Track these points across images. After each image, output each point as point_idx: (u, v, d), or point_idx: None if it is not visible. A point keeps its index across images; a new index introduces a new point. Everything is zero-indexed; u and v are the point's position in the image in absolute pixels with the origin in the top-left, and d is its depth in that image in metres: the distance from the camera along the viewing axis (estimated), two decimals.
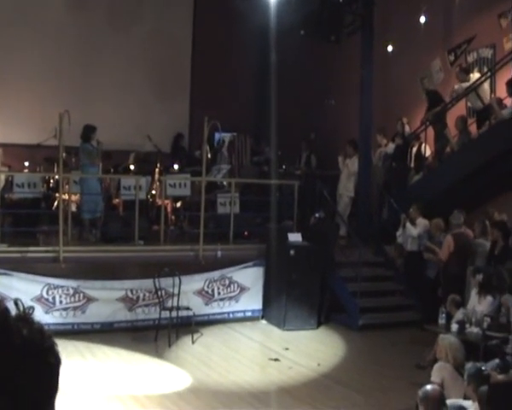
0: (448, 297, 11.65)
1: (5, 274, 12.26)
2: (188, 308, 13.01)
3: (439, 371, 8.68)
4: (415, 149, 16.79)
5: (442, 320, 11.24)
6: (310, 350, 12.72)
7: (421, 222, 14.49)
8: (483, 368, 7.98)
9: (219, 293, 14.31)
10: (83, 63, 18.65)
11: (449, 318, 11.18)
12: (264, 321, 14.63)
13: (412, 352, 12.42)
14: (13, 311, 1.49)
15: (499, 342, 9.62)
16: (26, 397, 1.42)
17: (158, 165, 16.58)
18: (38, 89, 18.10)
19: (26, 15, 18.11)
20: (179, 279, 12.77)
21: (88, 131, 14.43)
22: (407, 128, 17.25)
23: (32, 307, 1.53)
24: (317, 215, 15.39)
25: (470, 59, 16.75)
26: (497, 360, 8.78)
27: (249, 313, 14.67)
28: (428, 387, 6.72)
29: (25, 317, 1.48)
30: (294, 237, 14.37)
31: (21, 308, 1.49)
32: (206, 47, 20.06)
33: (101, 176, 15.50)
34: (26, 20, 18.08)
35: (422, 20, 17.15)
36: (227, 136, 18.65)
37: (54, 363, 1.51)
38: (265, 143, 18.52)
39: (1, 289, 12.07)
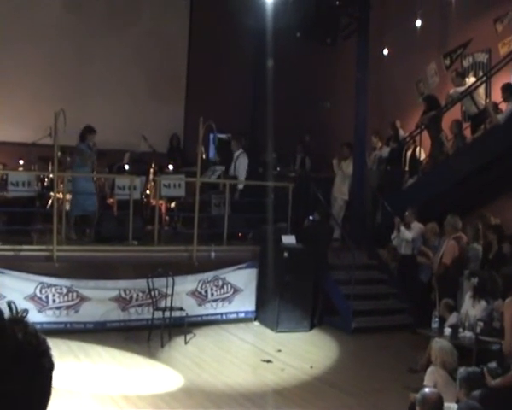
0: (441, 301, 11.67)
1: None
2: (181, 309, 13.01)
3: (432, 376, 8.69)
4: (409, 153, 16.81)
5: (435, 324, 11.23)
6: (302, 352, 12.72)
7: (416, 226, 14.50)
8: (483, 369, 7.99)
9: (212, 294, 14.32)
10: (79, 62, 18.62)
11: (442, 322, 11.18)
12: (257, 323, 14.64)
13: (405, 356, 12.44)
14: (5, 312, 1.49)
15: (499, 346, 9.61)
16: (19, 401, 1.41)
17: (153, 165, 16.57)
18: (34, 87, 18.07)
19: (22, 13, 18.06)
20: (173, 280, 12.77)
21: (85, 131, 14.44)
22: (401, 131, 17.27)
23: (26, 310, 1.53)
24: (311, 218, 15.39)
25: (466, 63, 16.77)
26: (494, 364, 8.79)
27: (242, 315, 14.68)
28: (427, 390, 6.75)
29: (20, 320, 1.48)
30: (288, 239, 14.39)
31: (15, 311, 1.48)
32: (202, 48, 20.04)
33: (94, 175, 15.50)
34: (21, 19, 18.04)
35: (418, 23, 17.15)
36: (222, 137, 18.64)
37: (48, 367, 1.50)
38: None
39: None
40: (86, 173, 14.60)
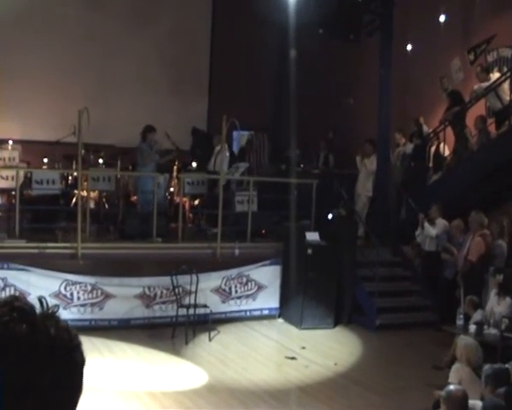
0: (466, 298, 11.62)
1: (24, 270, 12.34)
2: (205, 306, 13.02)
3: (457, 373, 8.65)
4: (433, 149, 16.73)
5: (460, 321, 11.19)
6: (326, 349, 12.71)
7: (441, 222, 14.43)
8: (506, 367, 7.94)
9: (236, 291, 14.33)
10: (102, 60, 18.70)
11: (467, 319, 11.13)
12: (281, 320, 14.63)
13: (429, 353, 12.41)
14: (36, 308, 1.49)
15: None
16: (51, 397, 1.42)
17: (176, 162, 16.60)
18: (57, 86, 18.17)
19: (45, 13, 18.17)
20: (197, 277, 12.79)
21: (145, 131, 14.81)
22: (425, 128, 17.19)
23: (57, 305, 1.53)
24: (330, 217, 15.32)
25: (490, 58, 16.67)
26: None
27: (266, 312, 14.68)
28: (452, 387, 6.71)
29: (51, 315, 1.48)
30: (312, 236, 14.36)
31: (45, 306, 1.49)
32: (224, 45, 20.06)
33: (119, 173, 15.59)
34: (44, 18, 18.14)
35: (442, 19, 17.08)
36: (245, 134, 18.64)
37: (80, 362, 1.51)
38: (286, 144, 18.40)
39: (19, 284, 12.18)
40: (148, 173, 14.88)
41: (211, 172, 16.01)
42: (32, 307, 1.47)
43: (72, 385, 1.49)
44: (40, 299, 1.49)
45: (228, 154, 16.37)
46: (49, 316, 1.48)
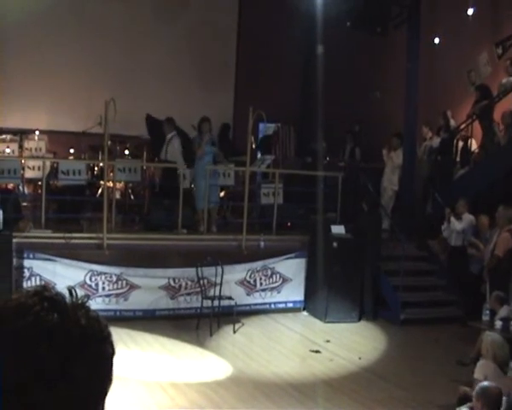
0: (492, 294, 11.54)
1: (49, 260, 12.40)
2: (230, 298, 13.03)
3: (482, 369, 8.58)
4: (461, 143, 16.62)
5: (486, 317, 11.10)
6: (351, 343, 12.68)
7: (467, 217, 14.32)
8: None
9: (261, 283, 14.32)
10: (128, 52, 18.74)
11: (493, 314, 11.05)
12: (305, 313, 14.62)
13: (454, 348, 12.35)
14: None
15: None
16: (83, 386, 1.42)
17: None
18: (84, 77, 18.20)
19: (72, 4, 18.21)
20: (222, 269, 12.79)
21: (199, 123, 14.68)
22: (452, 122, 17.08)
23: (87, 296, 1.53)
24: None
25: None
26: None
27: (291, 305, 14.67)
28: (487, 383, 6.66)
29: (81, 305, 1.48)
30: (337, 230, 14.32)
31: (75, 296, 1.48)
32: (251, 37, 20.04)
33: (145, 164, 15.61)
34: (71, 9, 18.17)
35: (470, 12, 16.95)
36: (271, 126, 18.60)
37: (110, 352, 1.51)
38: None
39: (45, 274, 12.25)
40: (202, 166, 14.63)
41: (163, 161, 15.67)
42: (62, 297, 1.46)
43: (102, 375, 1.48)
44: (70, 289, 1.49)
45: (178, 143, 15.78)
46: (80, 306, 1.47)
